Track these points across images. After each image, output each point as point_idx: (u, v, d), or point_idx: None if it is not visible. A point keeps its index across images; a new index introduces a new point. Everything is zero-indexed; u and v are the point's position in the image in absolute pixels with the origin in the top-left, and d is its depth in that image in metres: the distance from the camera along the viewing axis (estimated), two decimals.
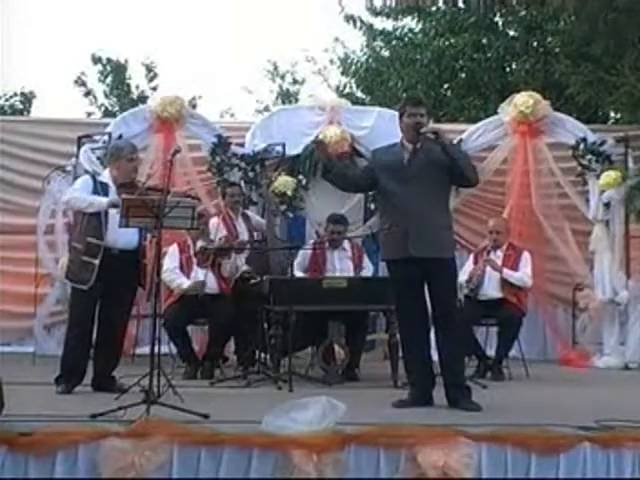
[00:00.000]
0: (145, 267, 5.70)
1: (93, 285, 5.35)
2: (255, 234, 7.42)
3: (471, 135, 8.55)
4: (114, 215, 5.33)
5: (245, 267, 7.13)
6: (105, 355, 5.55)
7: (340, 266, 6.89)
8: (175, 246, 6.89)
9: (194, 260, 6.81)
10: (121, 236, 5.41)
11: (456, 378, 4.95)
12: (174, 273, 6.73)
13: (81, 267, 5.40)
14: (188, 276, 6.76)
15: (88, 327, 5.50)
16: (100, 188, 5.54)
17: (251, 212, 7.89)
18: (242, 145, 8.48)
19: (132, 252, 5.54)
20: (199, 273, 6.76)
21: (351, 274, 6.77)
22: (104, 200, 5.40)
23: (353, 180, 5.33)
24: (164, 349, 5.94)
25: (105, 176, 5.68)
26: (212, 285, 6.78)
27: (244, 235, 7.31)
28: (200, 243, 6.82)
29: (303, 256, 6.95)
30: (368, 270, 7.00)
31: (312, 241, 7.61)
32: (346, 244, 7.03)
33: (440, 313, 4.99)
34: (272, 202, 7.64)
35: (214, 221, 7.23)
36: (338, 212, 7.45)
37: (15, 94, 18.94)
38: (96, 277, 5.34)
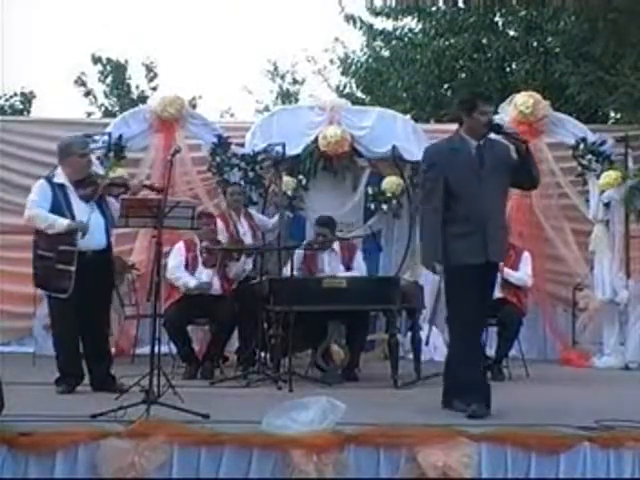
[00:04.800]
0: (114, 265, 5.72)
1: (72, 292, 5.28)
2: (258, 233, 7.42)
3: None
4: (81, 217, 5.32)
5: (250, 267, 7.15)
6: (96, 357, 5.53)
7: (330, 267, 6.88)
8: (181, 244, 6.86)
9: (199, 259, 6.80)
10: (92, 238, 5.36)
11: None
12: (179, 271, 6.71)
13: (57, 276, 5.29)
14: (192, 275, 6.73)
15: (74, 332, 5.47)
16: (58, 190, 5.42)
17: (255, 212, 7.89)
18: (242, 145, 8.48)
19: (104, 251, 5.50)
20: (204, 273, 6.75)
21: (342, 275, 6.76)
22: (64, 223, 5.29)
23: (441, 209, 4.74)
24: (164, 349, 5.93)
25: (60, 176, 5.52)
26: (215, 286, 6.76)
27: (247, 235, 7.32)
28: (205, 243, 6.81)
29: (297, 257, 6.94)
30: (359, 270, 6.97)
31: (303, 243, 7.61)
32: (336, 245, 7.01)
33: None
34: (283, 201, 7.69)
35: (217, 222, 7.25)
36: (337, 212, 7.44)
37: (15, 94, 18.99)
38: (74, 283, 5.27)
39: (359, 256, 7.09)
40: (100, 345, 5.58)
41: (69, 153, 5.52)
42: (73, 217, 5.36)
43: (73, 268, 5.26)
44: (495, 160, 4.72)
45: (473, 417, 4.40)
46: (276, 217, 7.62)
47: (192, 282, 6.64)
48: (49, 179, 5.55)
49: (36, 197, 5.44)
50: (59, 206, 5.38)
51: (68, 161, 5.51)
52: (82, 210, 5.38)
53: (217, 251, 6.79)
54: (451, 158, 4.74)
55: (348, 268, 6.90)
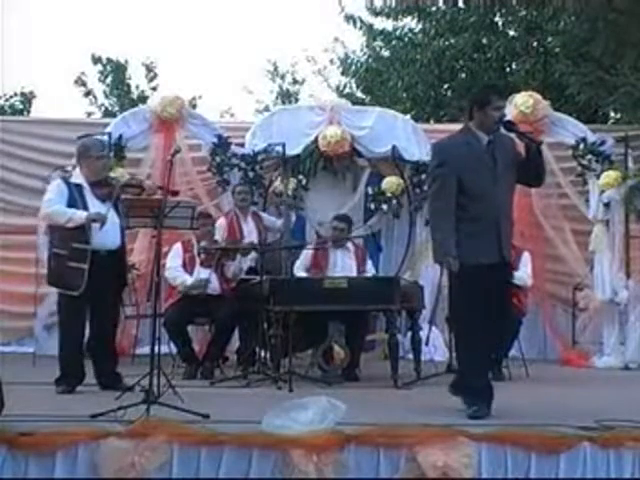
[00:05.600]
0: (127, 265, 5.73)
1: (84, 289, 5.31)
2: (269, 235, 7.44)
3: None
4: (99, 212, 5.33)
5: (247, 265, 7.16)
6: (104, 356, 5.56)
7: (342, 265, 6.89)
8: (179, 245, 6.89)
9: (197, 260, 6.80)
10: (106, 237, 5.39)
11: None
12: (177, 271, 6.73)
13: (69, 273, 5.32)
14: (190, 275, 6.74)
15: (81, 331, 5.49)
16: (75, 190, 5.47)
17: (265, 214, 7.90)
18: (242, 145, 8.48)
19: (117, 251, 5.52)
20: (202, 273, 6.75)
21: (353, 274, 6.77)
22: (83, 215, 5.34)
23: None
24: (164, 349, 5.94)
25: (77, 176, 5.59)
26: (214, 286, 6.77)
27: (251, 235, 7.32)
28: (203, 243, 6.82)
29: (305, 256, 6.95)
30: (371, 273, 7.00)
31: (316, 241, 7.62)
32: (349, 244, 7.04)
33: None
34: (288, 201, 7.72)
35: (220, 221, 7.26)
36: (337, 212, 7.48)
37: (15, 94, 18.97)
38: (86, 281, 5.29)
39: (369, 260, 7.12)
40: (109, 344, 5.62)
41: (86, 155, 5.60)
42: None
43: (86, 266, 5.29)
44: (505, 157, 4.62)
45: (473, 418, 4.38)
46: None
47: (189, 280, 6.66)
48: (66, 179, 5.64)
49: (52, 195, 5.50)
50: (75, 205, 5.44)
51: (85, 162, 5.58)
52: (98, 209, 5.41)
53: (214, 251, 6.80)
54: (464, 154, 4.59)
55: (360, 269, 6.90)
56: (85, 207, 5.43)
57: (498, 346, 6.74)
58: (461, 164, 4.57)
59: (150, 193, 5.58)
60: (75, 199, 5.45)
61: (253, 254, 7.18)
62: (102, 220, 5.33)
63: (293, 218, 7.91)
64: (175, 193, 5.48)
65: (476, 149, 4.61)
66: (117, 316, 5.82)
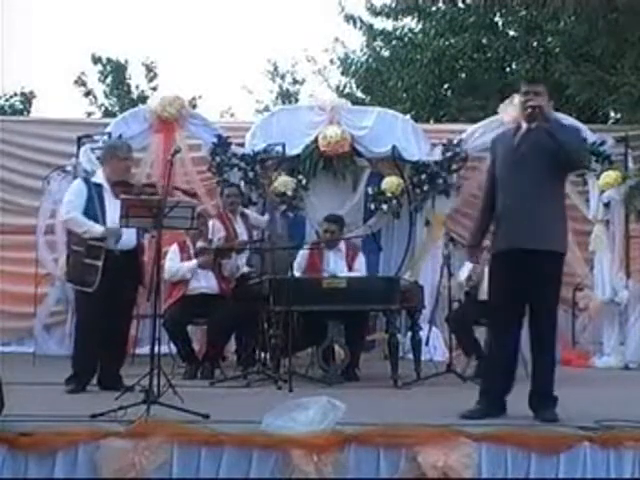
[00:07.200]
0: (144, 265, 5.74)
1: (98, 287, 5.35)
2: (255, 233, 7.44)
3: (471, 135, 8.54)
4: (113, 217, 5.35)
5: (246, 269, 7.16)
6: (111, 354, 5.57)
7: (335, 266, 6.87)
8: (175, 246, 6.91)
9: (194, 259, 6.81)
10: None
11: (542, 385, 4.55)
12: (177, 265, 6.76)
13: (84, 270, 5.40)
14: (189, 275, 6.76)
15: (96, 328, 5.49)
16: (94, 190, 5.53)
17: (249, 211, 7.90)
18: (242, 145, 8.48)
19: (132, 251, 5.57)
20: (200, 274, 6.77)
21: (344, 274, 6.75)
22: (100, 230, 5.40)
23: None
24: (164, 349, 5.94)
25: (99, 176, 5.67)
26: (212, 285, 6.79)
27: (243, 235, 7.33)
28: (200, 243, 6.83)
29: (302, 256, 6.95)
30: (360, 272, 6.93)
31: (310, 241, 7.62)
32: (342, 245, 7.03)
33: (539, 312, 4.47)
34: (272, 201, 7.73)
35: (214, 222, 7.27)
36: (337, 212, 7.48)
37: (15, 94, 19.00)
38: (100, 278, 5.35)
39: (361, 257, 7.08)
40: (118, 345, 5.64)
41: (112, 155, 5.66)
42: (104, 215, 5.45)
43: (100, 263, 5.36)
44: (534, 144, 4.50)
45: (467, 417, 4.30)
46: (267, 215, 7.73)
47: (192, 262, 6.72)
48: (86, 178, 5.78)
49: (72, 197, 5.57)
50: (92, 205, 5.49)
51: (109, 162, 5.65)
52: (114, 210, 5.38)
53: (212, 250, 6.81)
54: (499, 146, 4.71)
55: (350, 268, 6.89)
56: (102, 207, 5.49)
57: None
58: (496, 156, 4.70)
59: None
60: (93, 199, 5.50)
61: (245, 256, 7.21)
62: (118, 236, 5.40)
63: (277, 217, 7.95)
64: (194, 195, 5.74)
65: (508, 140, 4.64)
66: (130, 317, 5.85)
